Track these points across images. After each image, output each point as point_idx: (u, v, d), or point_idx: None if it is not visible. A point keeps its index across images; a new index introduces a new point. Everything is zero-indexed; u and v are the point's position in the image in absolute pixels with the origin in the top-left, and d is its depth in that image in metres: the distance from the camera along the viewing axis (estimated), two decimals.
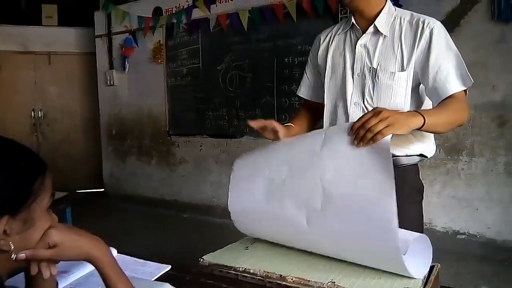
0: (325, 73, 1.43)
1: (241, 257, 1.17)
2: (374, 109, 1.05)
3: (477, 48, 3.02)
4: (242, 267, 1.09)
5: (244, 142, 4.22)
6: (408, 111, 1.22)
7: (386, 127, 0.99)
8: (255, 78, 4.08)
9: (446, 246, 3.07)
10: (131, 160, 5.22)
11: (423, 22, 1.27)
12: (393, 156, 1.28)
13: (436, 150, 1.39)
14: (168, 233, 3.96)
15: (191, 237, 3.77)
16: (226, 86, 4.28)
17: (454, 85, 1.22)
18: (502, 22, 2.89)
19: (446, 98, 1.22)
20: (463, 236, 3.17)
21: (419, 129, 1.10)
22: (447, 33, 1.28)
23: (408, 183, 1.35)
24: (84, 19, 5.33)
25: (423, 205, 1.41)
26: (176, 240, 3.69)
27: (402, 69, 1.28)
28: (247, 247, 1.25)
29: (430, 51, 1.24)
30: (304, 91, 1.57)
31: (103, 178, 5.50)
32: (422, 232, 1.37)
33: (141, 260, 1.20)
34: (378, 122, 0.99)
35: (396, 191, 1.37)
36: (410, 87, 1.29)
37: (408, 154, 1.31)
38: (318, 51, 1.47)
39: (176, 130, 4.77)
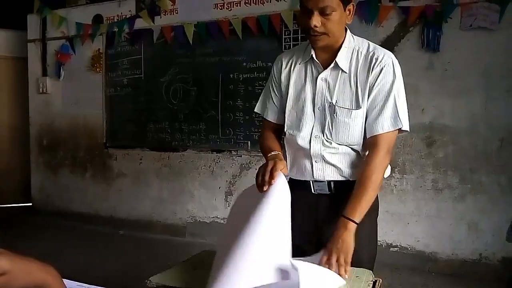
0: (287, 101, 1.40)
1: (190, 277, 1.14)
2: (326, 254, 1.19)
3: (408, 73, 3.21)
4: None
5: (187, 156, 4.16)
6: (339, 228, 1.23)
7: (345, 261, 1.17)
8: (200, 92, 4.05)
9: (380, 259, 3.15)
10: (63, 173, 4.91)
11: (377, 59, 1.30)
12: (352, 180, 1.35)
13: None
14: (105, 252, 3.74)
15: (130, 256, 3.61)
16: (169, 99, 4.21)
17: (380, 126, 1.29)
18: (430, 51, 3.16)
19: (367, 165, 1.28)
20: (396, 249, 3.36)
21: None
22: (398, 72, 1.31)
23: None
24: (16, 22, 4.97)
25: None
26: (114, 259, 3.49)
27: (358, 107, 1.30)
28: (195, 267, 1.23)
29: (373, 89, 1.29)
30: (271, 115, 1.47)
31: (31, 192, 5.10)
32: (376, 248, 1.43)
33: (76, 283, 1.11)
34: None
35: None
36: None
37: None
38: (281, 75, 1.43)
39: (114, 142, 4.57)
